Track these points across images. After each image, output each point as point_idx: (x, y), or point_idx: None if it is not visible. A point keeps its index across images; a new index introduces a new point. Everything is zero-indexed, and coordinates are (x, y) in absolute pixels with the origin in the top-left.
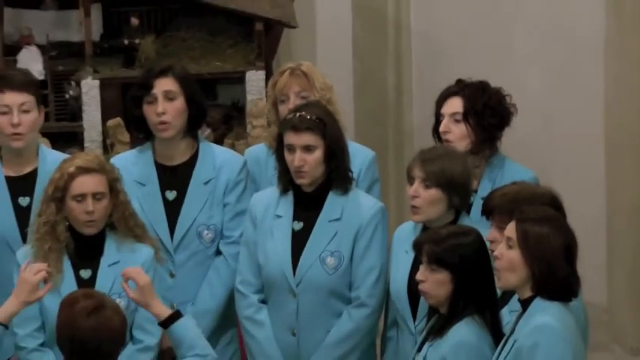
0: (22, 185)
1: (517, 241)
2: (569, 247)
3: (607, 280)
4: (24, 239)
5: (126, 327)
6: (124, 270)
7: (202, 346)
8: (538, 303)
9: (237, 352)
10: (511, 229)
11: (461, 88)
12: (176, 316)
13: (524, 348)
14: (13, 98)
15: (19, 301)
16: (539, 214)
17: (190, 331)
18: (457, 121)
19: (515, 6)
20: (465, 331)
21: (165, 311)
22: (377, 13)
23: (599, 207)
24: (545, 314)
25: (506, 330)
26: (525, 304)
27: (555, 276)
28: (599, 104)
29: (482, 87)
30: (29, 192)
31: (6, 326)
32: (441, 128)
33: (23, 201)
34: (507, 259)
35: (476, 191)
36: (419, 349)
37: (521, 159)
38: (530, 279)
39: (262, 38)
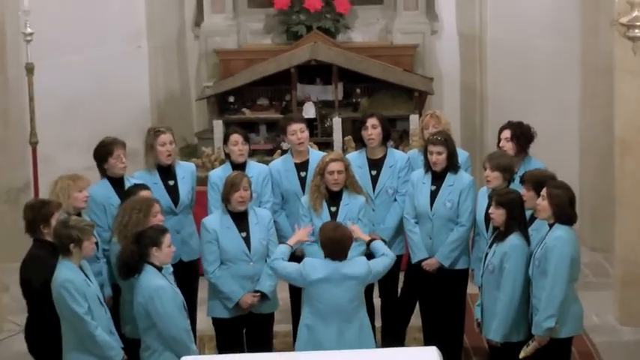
0: (302, 167)
1: (547, 197)
2: (571, 200)
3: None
4: (302, 192)
5: (351, 236)
6: (354, 227)
7: (387, 249)
8: (557, 225)
9: (403, 247)
10: (544, 191)
11: (510, 125)
12: (374, 239)
13: (548, 247)
14: (296, 126)
15: (297, 239)
16: (558, 184)
17: (381, 244)
18: (507, 141)
19: (536, 85)
20: (516, 239)
21: (367, 238)
22: (471, 88)
23: (575, 178)
24: (560, 231)
25: (531, 239)
26: (551, 226)
27: (565, 213)
28: (575, 131)
29: (519, 125)
30: (305, 170)
31: (291, 247)
32: (500, 144)
33: (302, 174)
34: (542, 205)
35: (516, 173)
36: (489, 247)
37: (538, 156)
38: (553, 214)
39: (417, 99)
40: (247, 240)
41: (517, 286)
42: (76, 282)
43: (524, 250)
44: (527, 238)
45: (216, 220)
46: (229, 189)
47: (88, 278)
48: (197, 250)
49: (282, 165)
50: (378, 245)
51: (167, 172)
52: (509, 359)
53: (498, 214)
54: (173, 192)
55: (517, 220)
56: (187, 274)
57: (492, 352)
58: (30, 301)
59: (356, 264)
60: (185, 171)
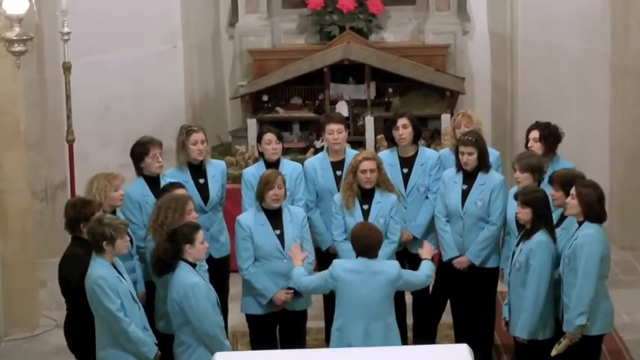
0: (338, 165)
1: (576, 195)
2: (600, 198)
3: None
4: (338, 190)
5: (381, 233)
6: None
7: (432, 273)
8: (586, 223)
9: (435, 244)
10: (573, 190)
11: (537, 125)
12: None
13: (577, 245)
14: (334, 126)
15: (300, 259)
16: (587, 183)
17: (429, 265)
18: (536, 141)
19: (567, 84)
20: (542, 235)
21: (427, 257)
22: (501, 88)
23: (604, 177)
24: (590, 229)
25: (561, 238)
26: (580, 224)
27: (594, 211)
28: (605, 131)
29: (547, 125)
30: (341, 169)
31: (302, 266)
32: (529, 145)
33: (338, 173)
34: (571, 203)
35: (545, 173)
36: (517, 245)
37: (567, 156)
38: (582, 212)
39: (449, 98)
40: (281, 237)
41: (543, 282)
42: (109, 279)
43: (550, 246)
44: (553, 235)
45: (251, 217)
46: (264, 187)
47: (121, 275)
48: (227, 246)
49: (318, 163)
50: (427, 265)
51: (198, 170)
52: (536, 357)
53: (524, 213)
54: (203, 190)
55: (543, 217)
56: (218, 271)
57: (518, 350)
58: (68, 298)
59: (387, 264)
60: (216, 169)
